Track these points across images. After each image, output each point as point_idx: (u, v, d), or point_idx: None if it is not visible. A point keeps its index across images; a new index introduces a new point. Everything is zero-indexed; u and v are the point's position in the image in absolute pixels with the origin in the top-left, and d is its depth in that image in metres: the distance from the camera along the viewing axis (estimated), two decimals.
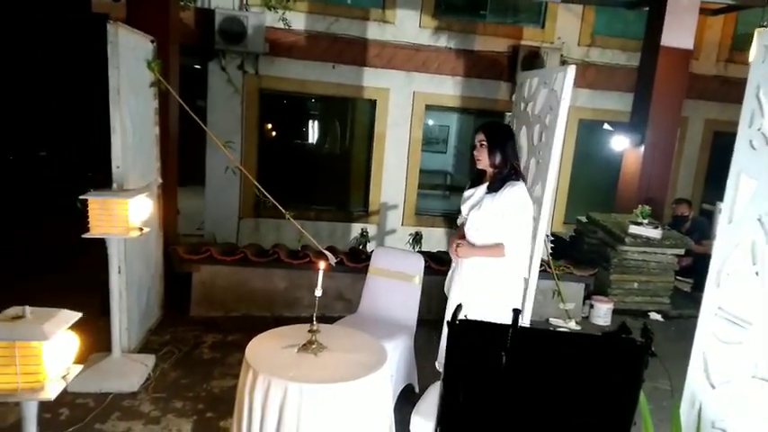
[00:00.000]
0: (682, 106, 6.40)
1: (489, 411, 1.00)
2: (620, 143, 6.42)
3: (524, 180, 3.03)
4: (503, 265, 2.98)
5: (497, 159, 2.93)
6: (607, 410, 0.98)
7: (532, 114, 3.89)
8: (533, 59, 7.42)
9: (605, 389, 0.97)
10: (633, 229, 5.24)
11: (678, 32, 5.96)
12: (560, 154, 3.50)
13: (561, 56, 7.67)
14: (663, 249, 5.29)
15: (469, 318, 2.87)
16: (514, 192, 2.90)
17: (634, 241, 5.21)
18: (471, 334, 1.02)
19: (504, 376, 0.97)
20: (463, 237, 3.14)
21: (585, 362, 0.96)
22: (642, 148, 6.17)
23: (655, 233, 5.23)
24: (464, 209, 3.14)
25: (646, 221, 5.33)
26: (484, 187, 3.02)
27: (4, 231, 6.13)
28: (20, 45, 8.81)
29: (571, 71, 3.39)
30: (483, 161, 2.98)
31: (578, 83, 3.48)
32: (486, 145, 2.94)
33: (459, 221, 3.27)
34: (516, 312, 0.97)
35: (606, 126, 6.57)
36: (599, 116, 7.94)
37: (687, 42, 6.03)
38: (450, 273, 3.27)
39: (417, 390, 3.44)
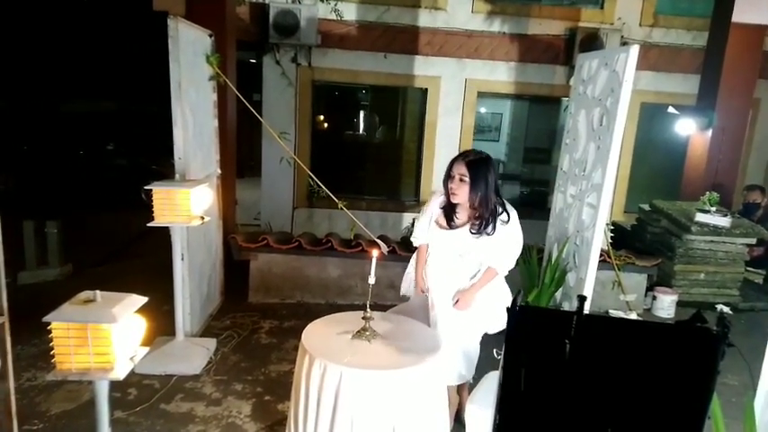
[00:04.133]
0: (754, 87, 6.01)
1: (551, 401, 0.97)
2: (685, 127, 6.09)
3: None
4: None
5: (477, 199, 2.65)
6: (679, 403, 0.93)
7: (592, 97, 3.74)
8: (592, 42, 7.13)
9: (677, 380, 0.92)
10: (700, 217, 4.98)
11: (752, 7, 5.57)
12: (622, 138, 3.35)
13: (621, 37, 7.33)
14: (732, 238, 5.00)
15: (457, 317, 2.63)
16: (512, 227, 2.73)
17: (701, 230, 4.95)
18: (533, 321, 0.99)
19: (568, 365, 0.94)
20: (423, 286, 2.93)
21: (656, 351, 0.92)
22: (710, 132, 5.84)
23: (723, 221, 4.95)
24: (439, 247, 2.86)
25: (714, 209, 5.05)
26: (464, 234, 2.73)
27: (76, 221, 6.48)
28: (86, 45, 9.27)
29: (634, 51, 3.23)
30: (460, 196, 2.67)
31: (640, 65, 3.31)
32: (468, 181, 2.62)
33: (417, 242, 2.97)
34: (581, 299, 0.94)
35: (672, 109, 6.23)
36: (662, 99, 7.55)
37: (762, 17, 5.63)
38: (411, 271, 3.04)
39: (471, 380, 3.41)
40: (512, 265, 2.80)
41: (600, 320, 0.95)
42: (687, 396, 0.92)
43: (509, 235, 2.73)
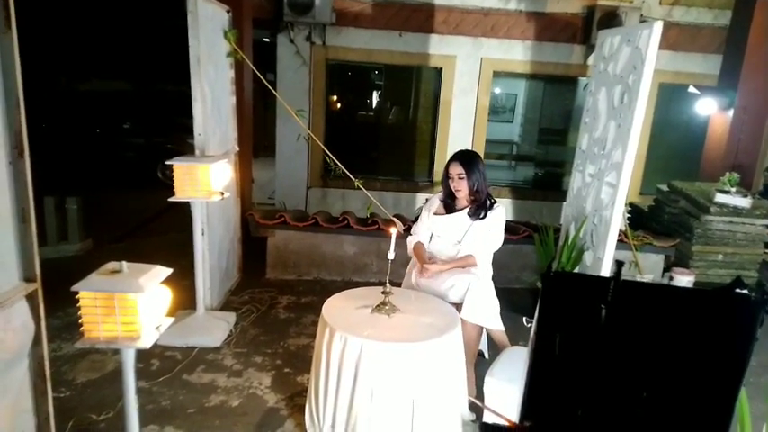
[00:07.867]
0: None
1: (585, 366, 0.98)
2: (706, 107, 5.99)
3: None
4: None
5: (475, 187, 3.10)
6: (716, 369, 0.93)
7: (613, 75, 3.69)
8: (610, 20, 6.99)
9: (715, 346, 0.93)
10: (719, 198, 4.92)
11: None
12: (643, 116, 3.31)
13: (641, 15, 7.18)
14: (752, 219, 4.94)
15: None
16: (500, 214, 3.16)
17: (720, 211, 4.89)
18: (568, 286, 1.00)
19: (604, 331, 0.94)
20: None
21: (693, 318, 0.92)
22: (731, 112, 5.74)
23: (743, 202, 4.89)
24: (435, 234, 3.24)
25: (734, 190, 4.98)
26: (463, 216, 3.15)
27: (94, 198, 6.55)
28: (103, 24, 9.26)
29: (658, 27, 3.18)
30: (463, 190, 3.12)
31: (659, 44, 3.24)
32: (465, 176, 3.08)
33: (415, 241, 3.25)
34: (619, 264, 0.94)
35: (692, 89, 6.11)
36: (681, 80, 7.40)
37: None
38: (412, 270, 3.25)
39: (487, 356, 3.44)
40: (488, 257, 3.20)
41: (637, 286, 0.95)
42: (724, 362, 0.93)
43: (497, 218, 3.15)
